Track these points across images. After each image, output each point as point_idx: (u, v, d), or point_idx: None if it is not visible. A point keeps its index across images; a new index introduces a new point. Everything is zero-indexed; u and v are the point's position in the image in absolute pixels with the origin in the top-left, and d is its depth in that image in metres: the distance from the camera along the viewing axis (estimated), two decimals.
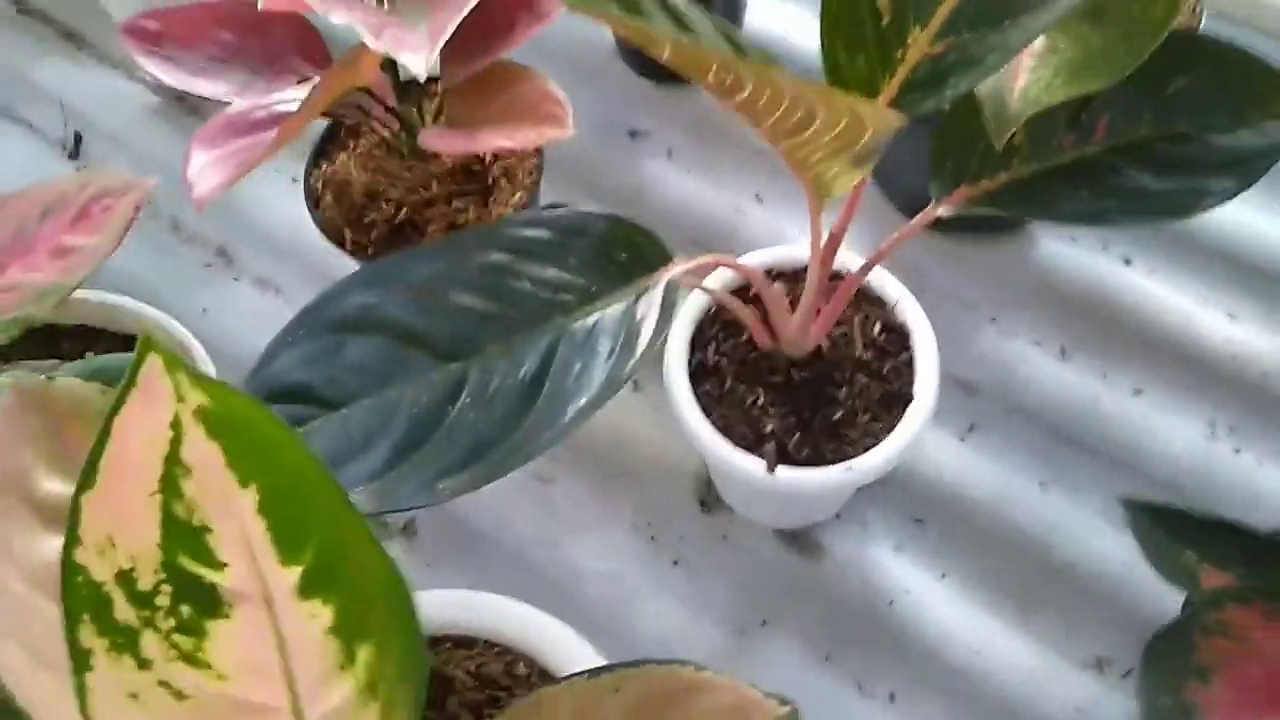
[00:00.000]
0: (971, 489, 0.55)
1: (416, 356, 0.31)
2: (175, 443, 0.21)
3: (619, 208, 0.65)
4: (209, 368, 0.48)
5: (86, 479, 0.21)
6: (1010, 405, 0.58)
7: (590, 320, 0.32)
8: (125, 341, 0.50)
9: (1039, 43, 0.34)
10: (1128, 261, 0.62)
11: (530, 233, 0.33)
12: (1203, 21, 0.53)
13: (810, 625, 0.52)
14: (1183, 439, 0.56)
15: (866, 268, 0.41)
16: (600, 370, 0.30)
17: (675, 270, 0.33)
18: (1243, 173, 0.36)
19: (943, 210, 0.38)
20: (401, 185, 0.52)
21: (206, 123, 0.43)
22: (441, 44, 0.32)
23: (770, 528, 0.55)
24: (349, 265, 0.54)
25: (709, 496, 0.56)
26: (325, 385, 0.30)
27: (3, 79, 0.76)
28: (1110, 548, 0.53)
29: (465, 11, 0.33)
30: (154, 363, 0.20)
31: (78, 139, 0.72)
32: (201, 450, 0.21)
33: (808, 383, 0.45)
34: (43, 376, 0.28)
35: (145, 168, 0.71)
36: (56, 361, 0.38)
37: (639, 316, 0.31)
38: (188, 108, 0.73)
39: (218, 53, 0.46)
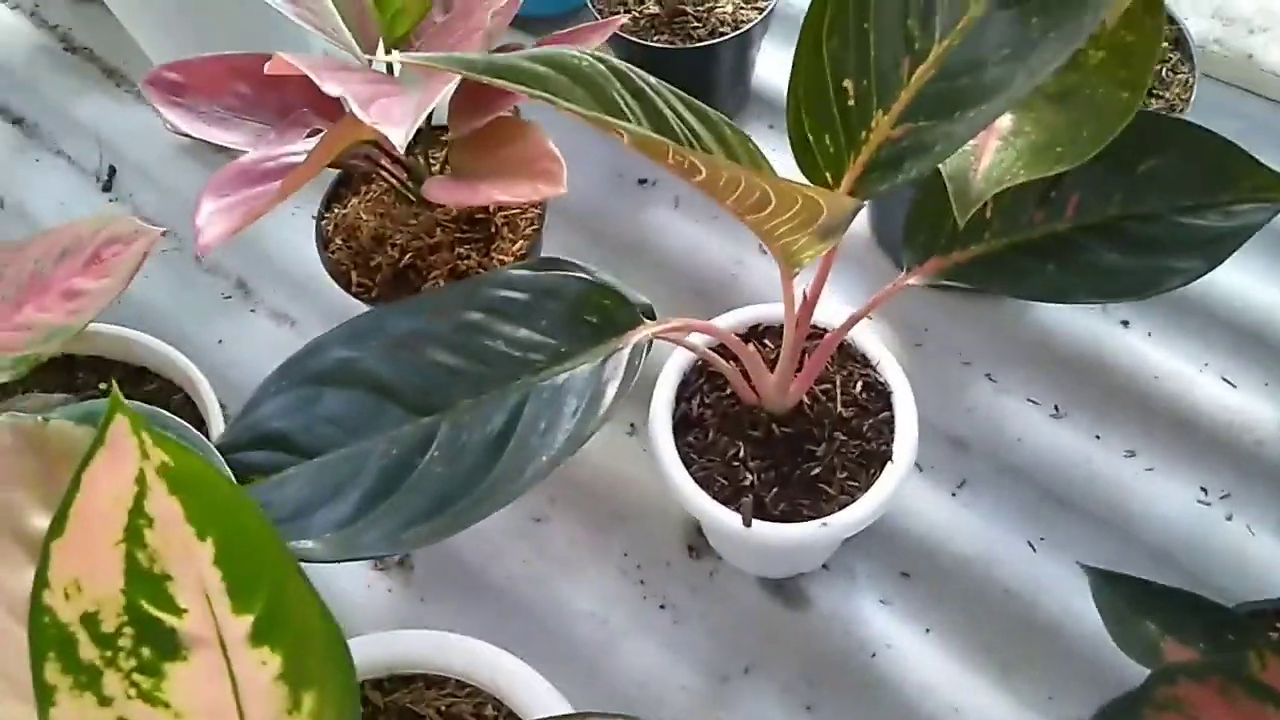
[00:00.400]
0: (960, 545, 0.56)
1: (390, 409, 0.32)
2: (140, 496, 0.23)
3: (621, 255, 0.67)
4: (211, 398, 0.50)
5: (56, 527, 0.22)
6: (1002, 463, 0.58)
7: (559, 379, 0.33)
8: (138, 373, 0.52)
9: (1006, 124, 0.35)
10: (1125, 323, 0.62)
11: (506, 294, 0.34)
12: (1194, 95, 0.54)
13: (792, 674, 0.53)
14: (1174, 503, 0.56)
15: (844, 328, 0.42)
16: (564, 429, 0.31)
17: (643, 334, 0.34)
18: (1210, 253, 0.37)
19: (914, 280, 0.39)
20: (407, 231, 0.54)
21: (220, 169, 0.45)
22: (420, 120, 0.33)
23: (756, 576, 0.55)
24: (358, 305, 0.56)
25: (698, 542, 0.57)
26: (302, 433, 0.32)
27: (48, 113, 0.80)
28: (1095, 610, 0.53)
29: (450, 87, 0.34)
30: (121, 423, 0.22)
31: (111, 172, 0.76)
32: (164, 504, 0.23)
33: (788, 438, 0.46)
34: (38, 418, 0.30)
35: (172, 201, 0.74)
36: (63, 396, 0.40)
37: (605, 378, 0.33)
38: (214, 146, 0.76)
39: (235, 104, 0.49)
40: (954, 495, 0.58)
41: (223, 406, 0.52)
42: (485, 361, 0.33)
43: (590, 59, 0.29)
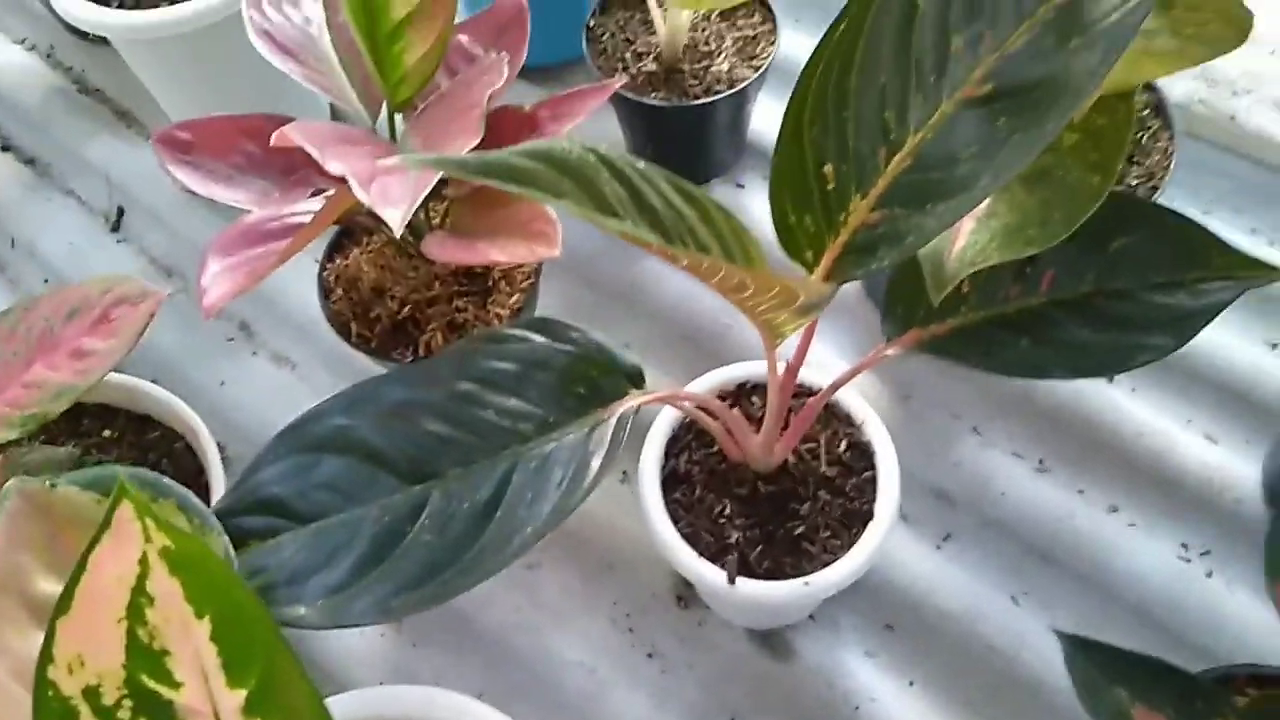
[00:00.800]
0: (944, 599, 0.57)
1: (383, 477, 0.33)
2: (142, 577, 0.24)
3: (615, 304, 0.69)
4: (211, 448, 0.51)
5: (63, 605, 0.24)
6: (986, 517, 0.59)
7: (546, 449, 0.34)
8: (141, 420, 0.54)
9: (981, 205, 0.36)
10: (1110, 379, 0.63)
11: (498, 364, 0.35)
12: (1174, 162, 0.55)
13: None
14: (1155, 560, 0.57)
15: (829, 391, 0.44)
16: (550, 499, 0.33)
17: (628, 404, 0.35)
18: (1178, 330, 0.38)
19: (892, 351, 0.40)
20: (406, 284, 0.56)
21: (226, 227, 0.47)
22: (418, 203, 0.35)
23: (743, 627, 0.56)
24: (357, 354, 0.57)
25: (686, 592, 0.58)
26: (298, 499, 0.33)
27: (59, 154, 0.82)
28: None
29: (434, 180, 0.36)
30: (126, 507, 0.23)
31: (120, 213, 0.77)
32: (164, 584, 0.24)
33: (772, 496, 0.47)
34: (46, 483, 0.31)
35: (179, 244, 0.75)
36: (69, 451, 0.42)
37: (590, 449, 0.34)
38: None
39: (242, 162, 0.51)
40: (938, 548, 0.59)
41: (222, 448, 0.54)
42: (476, 431, 0.34)
43: (580, 150, 0.31)
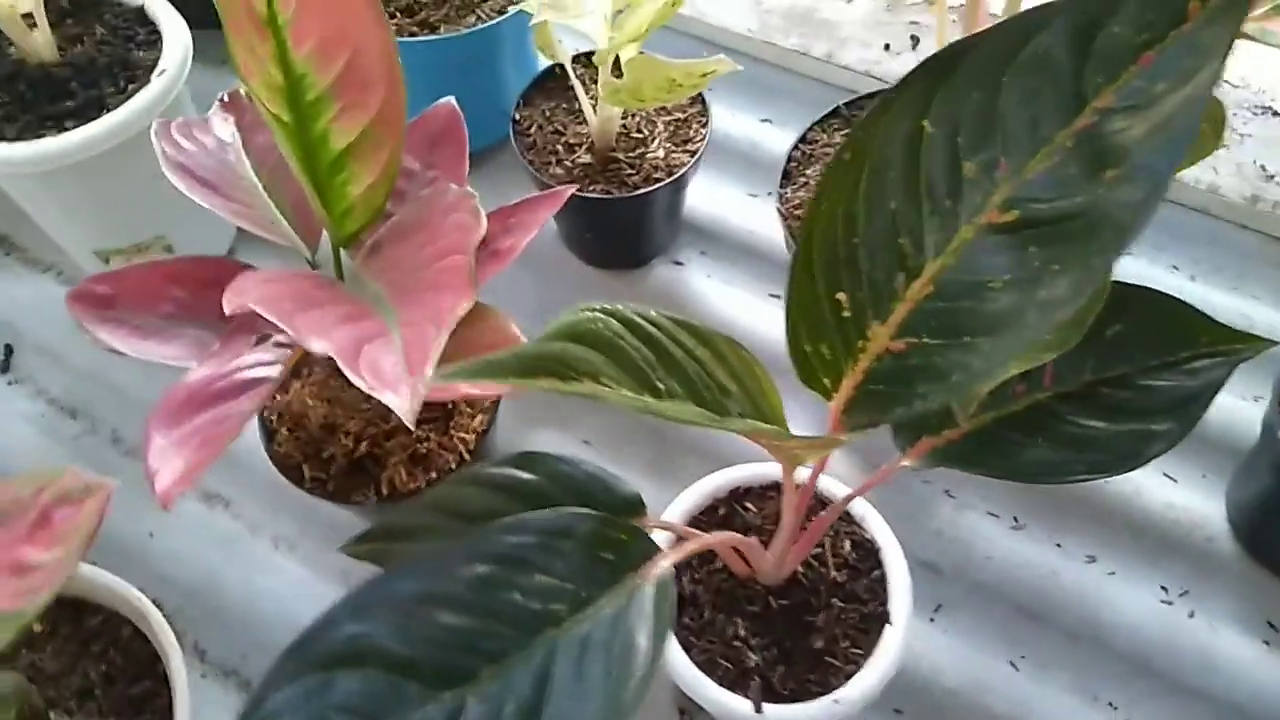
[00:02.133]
0: (946, 675, 0.56)
1: (408, 688, 0.30)
2: None
3: (585, 409, 0.66)
4: (166, 633, 0.46)
5: None
6: (972, 583, 0.59)
7: (583, 630, 0.31)
8: (74, 607, 0.48)
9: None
10: None
11: (514, 539, 0.33)
12: None
13: None
14: (1139, 606, 0.58)
15: (845, 502, 0.42)
16: (597, 693, 0.30)
17: (662, 565, 0.33)
18: (1182, 415, 0.38)
19: (908, 462, 0.39)
20: (360, 417, 0.52)
21: (167, 392, 0.42)
22: (426, 390, 0.31)
23: None
24: (303, 495, 0.53)
25: (688, 705, 0.55)
26: None
27: None
28: None
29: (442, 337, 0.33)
30: None
31: (8, 351, 0.70)
32: None
33: (786, 610, 0.45)
34: None
35: (80, 382, 0.69)
36: (19, 681, 0.36)
37: (631, 625, 0.31)
38: None
39: (171, 311, 0.46)
40: (932, 620, 0.58)
41: (172, 622, 0.48)
42: (503, 619, 0.31)
43: (601, 315, 0.29)
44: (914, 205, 0.32)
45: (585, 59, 0.67)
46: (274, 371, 0.41)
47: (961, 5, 0.52)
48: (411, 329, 0.33)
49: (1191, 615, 0.58)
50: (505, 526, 0.33)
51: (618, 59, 0.57)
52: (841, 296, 0.33)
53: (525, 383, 0.23)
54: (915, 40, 0.80)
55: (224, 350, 0.44)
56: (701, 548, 0.36)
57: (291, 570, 0.61)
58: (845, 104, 0.63)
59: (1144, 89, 0.28)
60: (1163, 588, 0.59)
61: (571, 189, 0.50)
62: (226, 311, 0.36)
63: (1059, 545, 0.60)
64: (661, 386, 0.29)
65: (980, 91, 0.30)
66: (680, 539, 0.37)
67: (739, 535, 0.40)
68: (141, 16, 0.66)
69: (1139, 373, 0.39)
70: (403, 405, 0.31)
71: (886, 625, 0.45)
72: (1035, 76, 0.29)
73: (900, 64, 0.80)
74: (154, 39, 0.64)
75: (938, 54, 0.31)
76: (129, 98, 0.60)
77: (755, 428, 0.28)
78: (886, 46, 0.81)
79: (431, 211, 0.41)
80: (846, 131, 0.62)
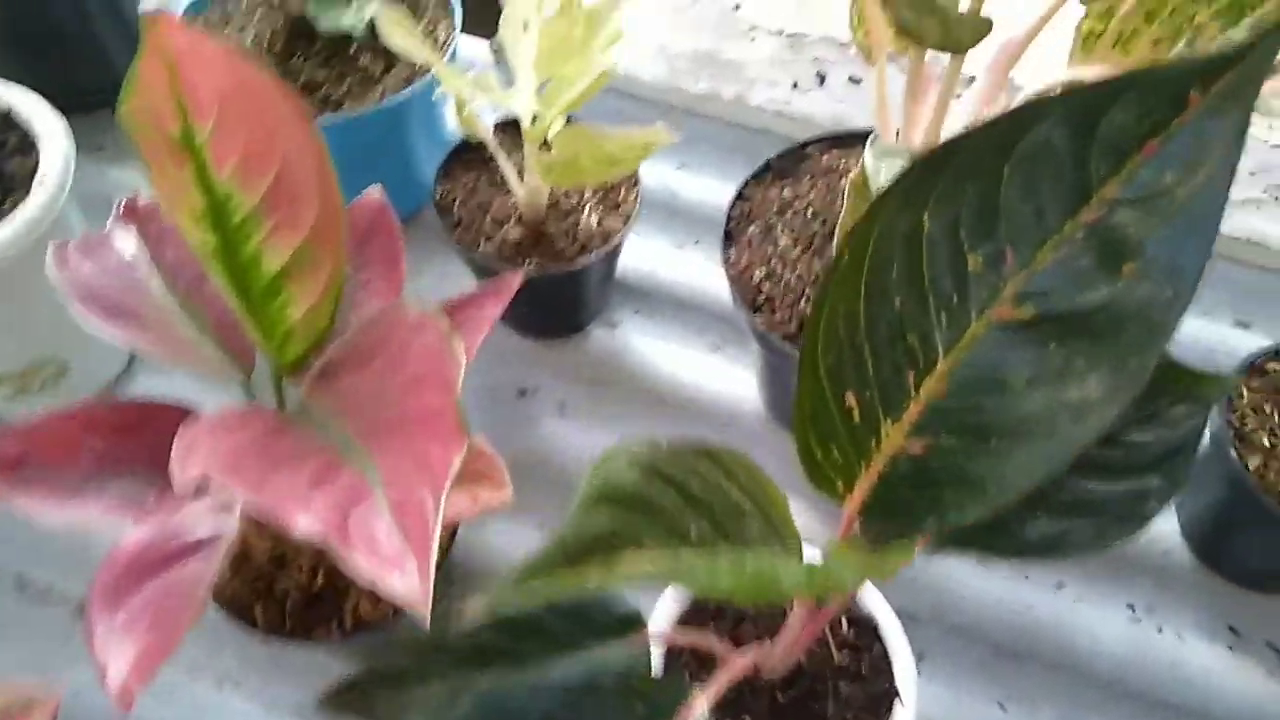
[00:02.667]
0: None
1: None
2: None
3: (517, 477, 0.63)
4: None
5: None
6: (949, 626, 0.59)
7: None
8: None
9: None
10: None
11: (541, 706, 0.30)
12: None
13: None
14: (1110, 629, 0.59)
15: (849, 597, 0.41)
16: None
17: (697, 711, 0.31)
18: (1168, 471, 0.38)
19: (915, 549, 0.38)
20: (311, 547, 0.48)
21: (103, 563, 0.38)
22: (434, 570, 0.28)
23: None
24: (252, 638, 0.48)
25: None
26: None
27: None
28: None
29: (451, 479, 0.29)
30: None
31: None
32: None
33: (794, 703, 0.44)
34: None
35: None
36: None
37: None
38: None
39: (91, 465, 0.41)
40: (917, 671, 0.58)
41: None
42: None
43: (626, 467, 0.27)
44: (919, 302, 0.31)
45: (503, 128, 0.64)
46: (227, 525, 0.37)
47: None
48: (398, 489, 0.30)
49: (1160, 630, 0.59)
50: (524, 686, 0.31)
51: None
52: (850, 397, 0.32)
53: (575, 582, 0.21)
54: (821, 78, 0.81)
55: (161, 503, 0.40)
56: (731, 679, 0.34)
57: (239, 709, 0.56)
58: (776, 156, 0.62)
59: (1152, 180, 0.27)
60: (1130, 606, 0.60)
61: (518, 277, 0.47)
62: (177, 484, 0.32)
63: (1027, 577, 0.61)
64: (693, 530, 0.27)
65: (979, 183, 0.30)
66: (695, 652, 0.35)
67: (741, 669, 0.38)
68: (7, 121, 0.59)
69: (1124, 428, 0.39)
70: (412, 589, 0.27)
71: (896, 703, 0.44)
72: (1036, 167, 0.29)
73: (809, 101, 0.81)
74: (27, 145, 0.58)
75: (931, 150, 0.30)
76: (4, 214, 0.54)
77: (816, 587, 0.26)
78: (794, 84, 0.81)
79: (391, 331, 0.37)
80: (785, 183, 0.61)
